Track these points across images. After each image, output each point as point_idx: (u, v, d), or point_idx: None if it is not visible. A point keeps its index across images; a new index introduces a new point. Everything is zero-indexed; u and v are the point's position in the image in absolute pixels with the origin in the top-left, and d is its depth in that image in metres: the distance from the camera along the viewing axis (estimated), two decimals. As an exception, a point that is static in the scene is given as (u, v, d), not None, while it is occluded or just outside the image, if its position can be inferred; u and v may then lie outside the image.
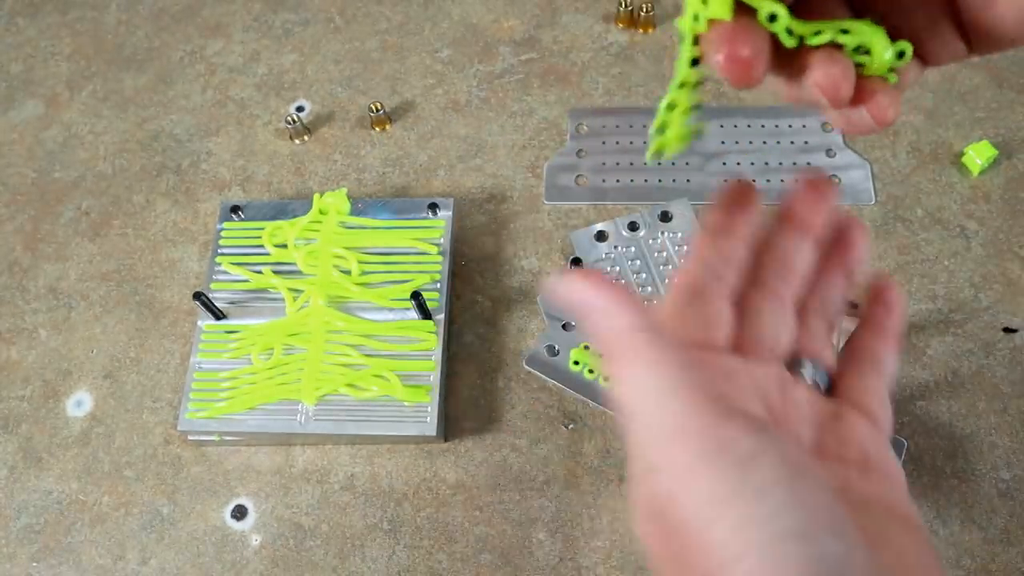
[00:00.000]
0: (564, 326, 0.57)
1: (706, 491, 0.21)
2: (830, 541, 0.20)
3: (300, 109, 0.68)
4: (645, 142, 0.35)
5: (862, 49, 0.24)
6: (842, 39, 0.24)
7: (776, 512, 0.20)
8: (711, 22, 0.23)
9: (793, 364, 0.28)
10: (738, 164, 0.63)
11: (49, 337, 0.61)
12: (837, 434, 0.27)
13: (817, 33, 0.24)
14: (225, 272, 0.59)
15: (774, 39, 0.23)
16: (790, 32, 0.23)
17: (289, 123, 0.65)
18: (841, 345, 0.30)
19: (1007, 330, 0.56)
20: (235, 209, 0.61)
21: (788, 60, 0.24)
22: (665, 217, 0.60)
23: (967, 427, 0.54)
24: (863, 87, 0.24)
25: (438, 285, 0.57)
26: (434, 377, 0.54)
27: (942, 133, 0.63)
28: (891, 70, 0.24)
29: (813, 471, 0.22)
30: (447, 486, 0.54)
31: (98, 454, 0.57)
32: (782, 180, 0.62)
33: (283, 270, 0.59)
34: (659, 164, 0.63)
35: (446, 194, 0.63)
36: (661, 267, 0.58)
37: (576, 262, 0.58)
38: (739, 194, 0.29)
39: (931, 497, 0.52)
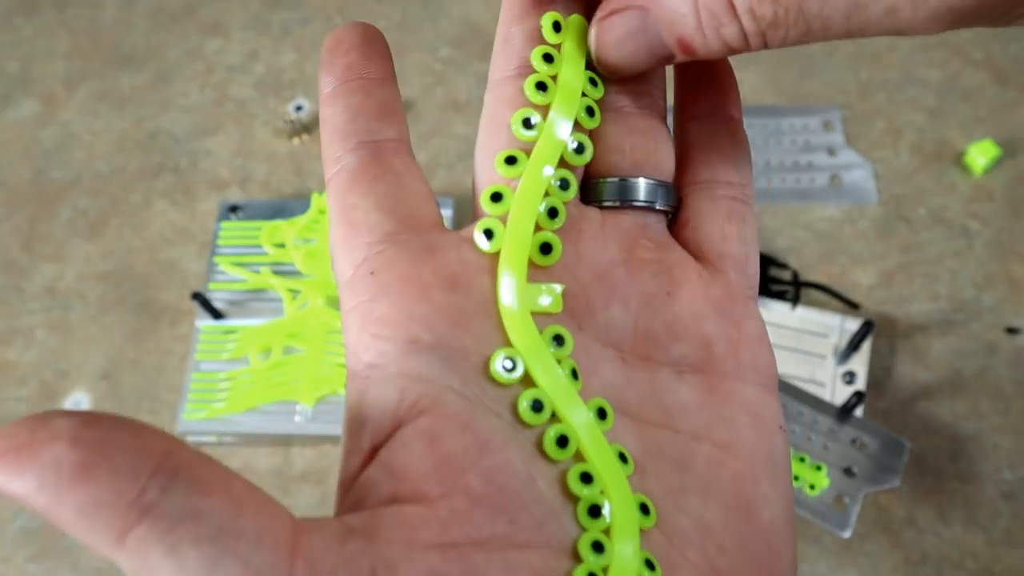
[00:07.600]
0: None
1: None
2: None
3: (299, 108, 0.68)
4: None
5: None
6: None
7: None
8: None
9: (623, 189, 0.22)
10: (739, 163, 0.63)
11: (46, 338, 0.60)
12: (667, 312, 0.21)
13: None
14: (223, 272, 0.59)
15: None
16: None
17: (288, 122, 0.65)
18: None
19: (1010, 330, 0.56)
20: (233, 209, 0.61)
21: None
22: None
23: (970, 428, 0.53)
24: None
25: (438, 285, 0.57)
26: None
27: (945, 132, 0.63)
28: None
29: None
30: (447, 488, 0.54)
31: (96, 455, 0.56)
32: (783, 180, 0.62)
33: (282, 270, 0.58)
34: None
35: (446, 194, 0.63)
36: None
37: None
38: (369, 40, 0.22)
39: (934, 499, 0.52)
